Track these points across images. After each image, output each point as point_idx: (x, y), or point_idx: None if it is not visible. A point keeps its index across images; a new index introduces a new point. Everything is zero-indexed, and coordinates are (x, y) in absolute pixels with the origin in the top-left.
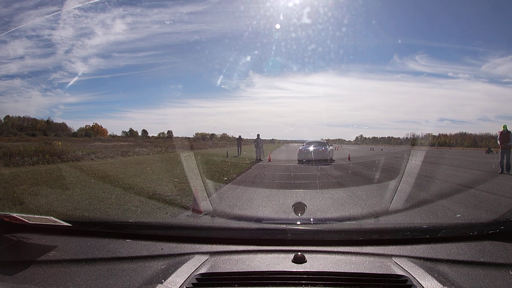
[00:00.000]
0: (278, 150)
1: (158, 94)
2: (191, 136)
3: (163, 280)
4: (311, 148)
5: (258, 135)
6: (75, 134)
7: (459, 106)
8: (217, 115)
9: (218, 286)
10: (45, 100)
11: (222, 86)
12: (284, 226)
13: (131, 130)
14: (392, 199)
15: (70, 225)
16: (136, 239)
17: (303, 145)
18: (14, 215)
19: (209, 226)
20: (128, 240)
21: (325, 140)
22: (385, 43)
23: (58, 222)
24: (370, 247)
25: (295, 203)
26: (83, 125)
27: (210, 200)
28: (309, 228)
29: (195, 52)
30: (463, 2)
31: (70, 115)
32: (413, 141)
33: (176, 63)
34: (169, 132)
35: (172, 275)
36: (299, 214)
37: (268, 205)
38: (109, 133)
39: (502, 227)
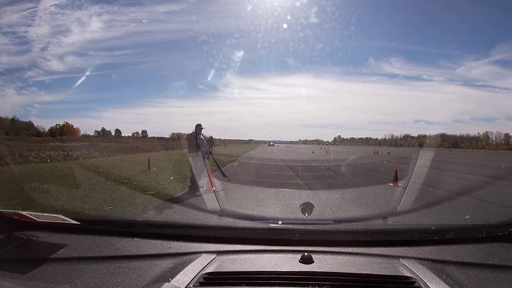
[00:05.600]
0: (247, 155)
1: (135, 93)
2: (167, 136)
3: (170, 279)
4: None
5: (198, 126)
6: (39, 134)
7: (434, 108)
8: (195, 115)
9: (225, 286)
10: (20, 99)
11: (199, 86)
12: (291, 226)
13: (103, 129)
14: None
15: (78, 223)
16: (144, 237)
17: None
18: (23, 213)
19: (217, 225)
20: (136, 239)
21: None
22: (361, 46)
23: (67, 221)
24: (377, 248)
25: (303, 203)
26: (56, 124)
27: (218, 201)
28: (317, 228)
29: (172, 52)
30: (438, 7)
31: (46, 114)
32: (394, 142)
33: (153, 62)
34: (144, 131)
35: (180, 273)
36: (307, 214)
37: None
38: (82, 132)
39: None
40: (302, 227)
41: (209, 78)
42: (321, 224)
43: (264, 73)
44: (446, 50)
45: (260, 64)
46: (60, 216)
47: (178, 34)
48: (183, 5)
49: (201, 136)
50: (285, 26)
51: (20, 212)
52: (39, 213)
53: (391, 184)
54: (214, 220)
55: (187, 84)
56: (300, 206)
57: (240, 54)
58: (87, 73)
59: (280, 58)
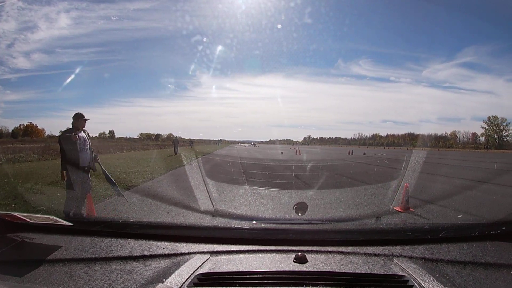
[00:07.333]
0: (211, 155)
1: (103, 92)
2: (136, 137)
3: (164, 280)
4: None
5: (78, 117)
6: (0, 135)
7: (402, 108)
8: (165, 115)
9: (219, 286)
10: None
11: (169, 86)
12: (285, 226)
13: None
14: None
15: (71, 224)
16: (137, 238)
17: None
18: (16, 214)
19: (210, 225)
20: (129, 240)
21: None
22: (330, 47)
23: (60, 222)
24: (371, 247)
25: (297, 203)
26: (20, 125)
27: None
28: (311, 228)
29: (142, 50)
30: (406, 10)
31: (11, 113)
32: (363, 142)
33: (122, 61)
34: (111, 132)
35: (173, 274)
36: (300, 214)
37: None
38: (47, 133)
39: (504, 228)
40: (296, 227)
41: (179, 78)
42: (315, 223)
43: (235, 73)
44: (413, 52)
45: (232, 64)
46: (53, 217)
47: (148, 33)
48: (154, 3)
49: (83, 134)
50: (256, 27)
51: (12, 213)
52: (31, 215)
53: (397, 208)
54: (208, 221)
55: (156, 84)
56: (294, 206)
57: (211, 53)
58: (55, 71)
59: (251, 59)
